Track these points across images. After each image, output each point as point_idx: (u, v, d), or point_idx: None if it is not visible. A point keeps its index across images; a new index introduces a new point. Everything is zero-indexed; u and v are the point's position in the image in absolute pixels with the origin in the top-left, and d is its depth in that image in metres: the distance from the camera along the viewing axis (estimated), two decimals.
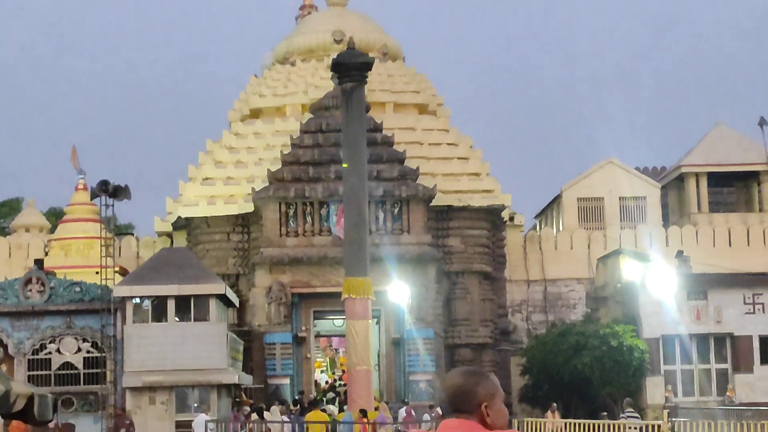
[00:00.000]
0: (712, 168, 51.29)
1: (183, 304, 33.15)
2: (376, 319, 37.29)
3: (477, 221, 42.70)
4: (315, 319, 40.93)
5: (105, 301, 33.33)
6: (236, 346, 35.72)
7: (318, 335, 43.98)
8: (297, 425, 30.29)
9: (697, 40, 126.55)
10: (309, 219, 40.09)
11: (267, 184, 40.64)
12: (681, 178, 52.30)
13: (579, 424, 28.17)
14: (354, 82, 30.92)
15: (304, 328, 39.88)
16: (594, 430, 27.49)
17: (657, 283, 37.47)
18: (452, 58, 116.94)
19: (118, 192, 36.04)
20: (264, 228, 40.05)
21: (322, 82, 45.98)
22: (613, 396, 36.44)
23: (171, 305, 33.08)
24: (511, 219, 46.51)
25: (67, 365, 33.74)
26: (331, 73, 36.18)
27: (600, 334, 37.36)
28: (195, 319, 33.14)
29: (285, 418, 31.83)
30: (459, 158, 45.44)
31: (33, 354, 33.67)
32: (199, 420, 30.01)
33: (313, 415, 30.11)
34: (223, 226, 42.24)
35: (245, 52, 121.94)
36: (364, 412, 29.03)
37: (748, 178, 52.69)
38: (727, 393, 36.94)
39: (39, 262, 35.90)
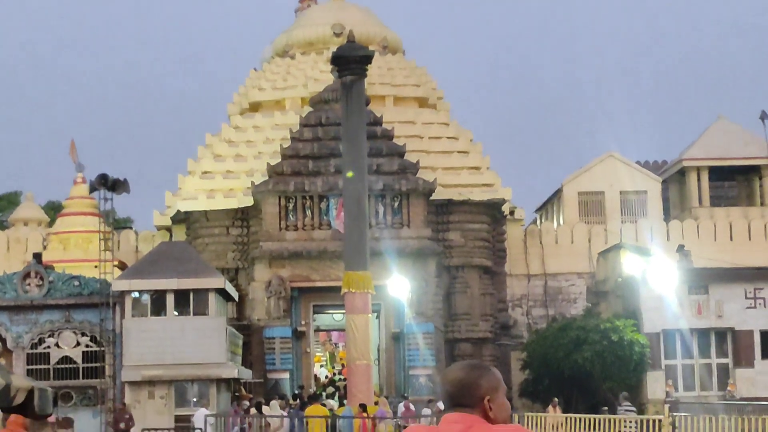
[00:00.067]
0: (713, 162, 51.21)
1: (182, 298, 33.06)
2: (375, 314, 37.20)
3: (477, 215, 42.61)
4: (314, 313, 40.84)
5: (104, 295, 33.24)
6: (235, 340, 35.64)
7: (317, 329, 43.90)
8: (296, 420, 30.20)
9: (699, 34, 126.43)
10: (308, 213, 39.99)
11: (266, 177, 40.53)
12: (682, 172, 52.21)
13: (579, 419, 28.08)
14: (354, 76, 30.82)
15: (303, 323, 39.78)
16: (594, 424, 27.40)
17: (658, 277, 37.38)
18: (452, 52, 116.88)
19: (116, 186, 35.96)
20: (263, 222, 39.95)
21: (321, 76, 45.87)
22: (613, 391, 36.32)
23: (170, 299, 33.00)
24: (512, 213, 46.42)
25: (66, 359, 33.65)
26: (331, 66, 36.05)
27: (601, 328, 37.25)
28: (194, 314, 33.05)
29: (284, 412, 31.74)
30: (459, 152, 45.33)
31: (32, 348, 33.58)
32: (199, 414, 29.97)
33: (312, 410, 30.03)
34: (222, 220, 42.14)
35: (245, 45, 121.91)
36: (363, 407, 28.96)
37: (750, 172, 52.61)
38: (728, 388, 36.84)
39: (37, 256, 35.81)
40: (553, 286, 47.20)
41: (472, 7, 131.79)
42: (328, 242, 39.17)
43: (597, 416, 28.17)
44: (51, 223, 49.50)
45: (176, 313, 33.14)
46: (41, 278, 33.81)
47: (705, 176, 51.36)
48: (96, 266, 35.44)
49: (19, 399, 8.51)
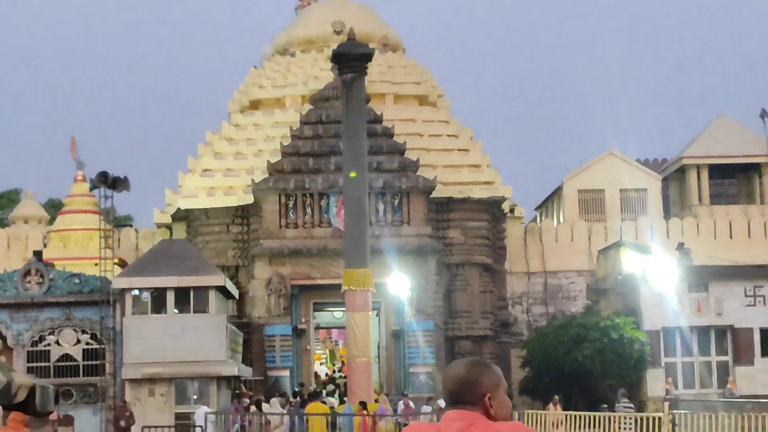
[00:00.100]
0: (713, 160, 51.21)
1: (182, 295, 33.06)
2: (376, 311, 37.22)
3: (477, 213, 42.61)
4: (315, 310, 40.85)
5: (104, 293, 33.24)
6: (236, 338, 35.64)
7: (318, 327, 43.90)
8: (297, 417, 30.21)
9: (699, 31, 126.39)
10: (309, 210, 40.00)
11: (267, 175, 40.53)
12: (682, 170, 52.21)
13: (579, 416, 28.09)
14: (354, 73, 30.84)
15: (303, 320, 39.80)
16: (594, 421, 27.41)
17: (658, 275, 37.40)
18: (453, 50, 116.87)
19: (117, 183, 35.95)
20: (264, 219, 39.95)
21: (322, 73, 45.86)
22: (613, 388, 36.34)
23: (170, 297, 33.00)
24: (512, 211, 46.42)
25: (66, 357, 33.66)
26: (331, 64, 36.07)
27: (600, 326, 37.28)
28: (194, 311, 33.04)
29: (284, 410, 31.75)
30: (459, 150, 45.34)
31: (32, 346, 33.59)
32: (200, 412, 29.97)
33: (312, 407, 30.03)
34: (222, 218, 42.14)
35: (245, 43, 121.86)
36: (363, 404, 28.97)
37: (750, 170, 52.60)
38: (728, 385, 36.87)
39: (38, 254, 35.82)
40: (553, 284, 47.20)
41: (473, 6, 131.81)
42: (329, 240, 39.18)
43: (597, 414, 28.18)
44: (51, 221, 49.48)
45: (176, 310, 33.14)
46: (41, 276, 33.82)
47: (705, 174, 51.36)
48: (96, 264, 35.44)
49: (21, 396, 8.53)
